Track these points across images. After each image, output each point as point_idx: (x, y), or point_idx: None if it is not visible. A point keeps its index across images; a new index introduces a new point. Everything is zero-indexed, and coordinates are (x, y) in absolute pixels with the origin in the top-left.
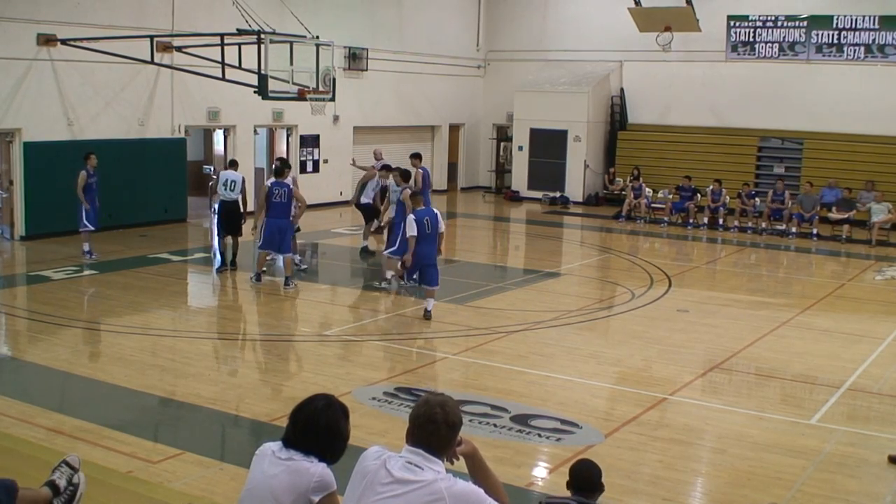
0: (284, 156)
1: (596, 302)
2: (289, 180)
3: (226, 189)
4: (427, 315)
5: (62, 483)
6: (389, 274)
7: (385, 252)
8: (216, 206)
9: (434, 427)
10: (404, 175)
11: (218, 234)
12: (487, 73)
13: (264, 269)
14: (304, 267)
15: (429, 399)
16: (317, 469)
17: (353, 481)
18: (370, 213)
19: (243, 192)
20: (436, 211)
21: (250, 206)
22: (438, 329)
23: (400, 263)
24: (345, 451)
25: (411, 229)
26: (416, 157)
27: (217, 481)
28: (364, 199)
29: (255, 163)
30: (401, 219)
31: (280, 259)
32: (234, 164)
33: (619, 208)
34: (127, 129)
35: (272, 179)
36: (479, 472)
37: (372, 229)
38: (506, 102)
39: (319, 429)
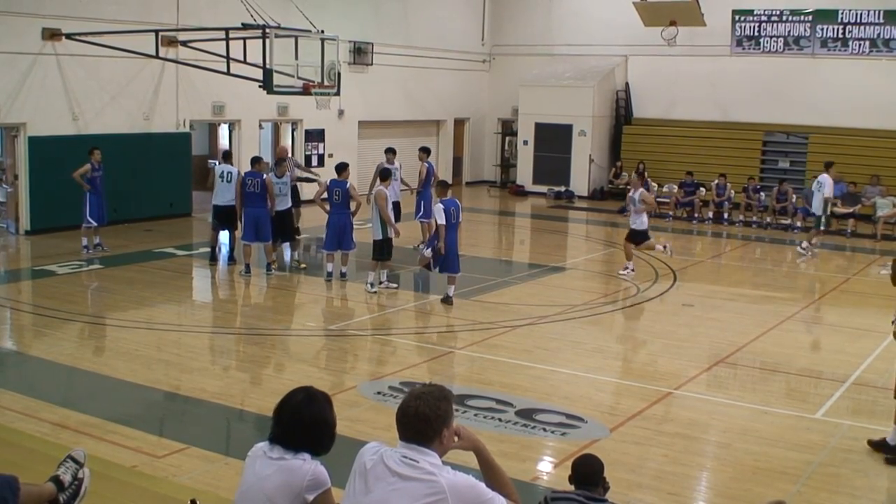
0: (289, 150)
1: (601, 296)
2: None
3: (223, 181)
4: (448, 300)
5: (67, 478)
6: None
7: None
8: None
9: (408, 420)
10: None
11: (213, 229)
12: (492, 67)
13: (247, 263)
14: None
15: (411, 391)
16: (309, 467)
17: (353, 478)
18: None
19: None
20: (458, 202)
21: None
22: (444, 324)
23: (430, 250)
24: (334, 439)
25: (441, 217)
26: (424, 151)
27: (222, 476)
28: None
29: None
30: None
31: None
32: (227, 157)
33: (624, 202)
34: (132, 124)
35: (246, 170)
36: (486, 470)
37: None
38: (511, 97)
39: (305, 424)
